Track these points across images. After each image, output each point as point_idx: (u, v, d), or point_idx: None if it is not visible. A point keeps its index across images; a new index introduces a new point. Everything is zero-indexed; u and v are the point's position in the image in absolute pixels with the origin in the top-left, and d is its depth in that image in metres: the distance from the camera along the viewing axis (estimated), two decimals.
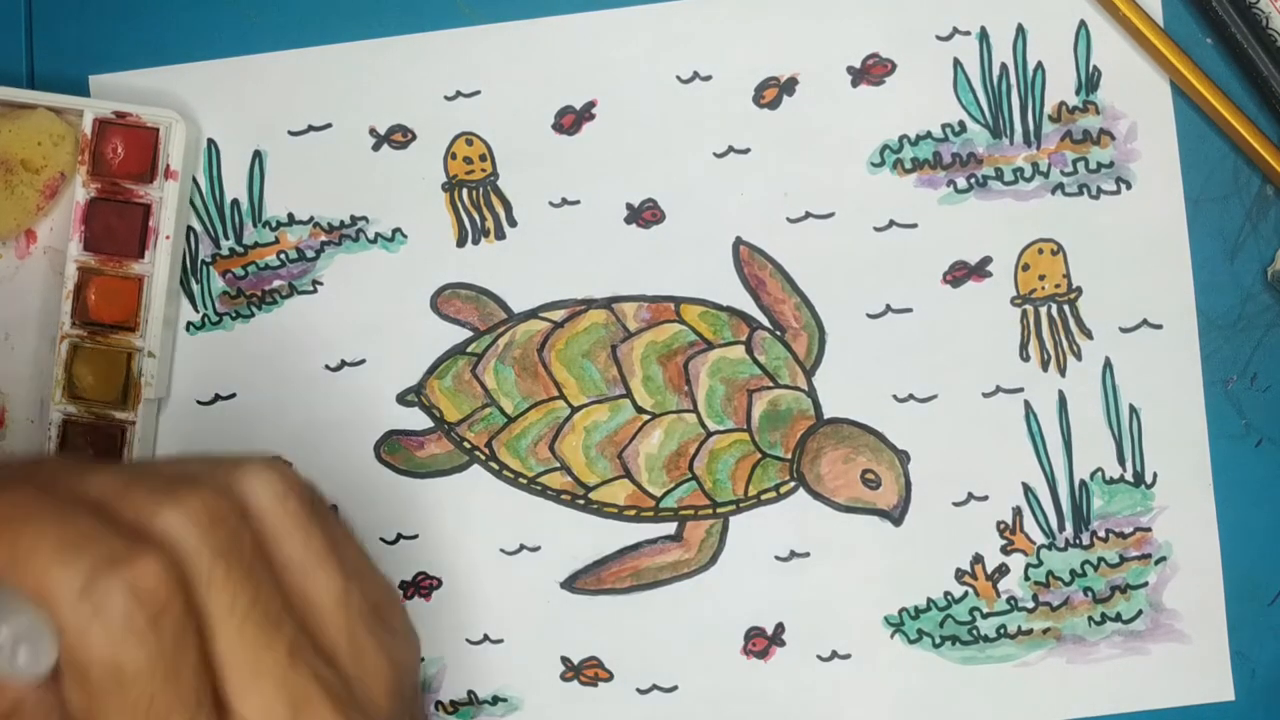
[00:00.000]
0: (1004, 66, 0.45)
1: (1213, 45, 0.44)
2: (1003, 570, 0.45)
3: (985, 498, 0.45)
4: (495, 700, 0.46)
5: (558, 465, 0.45)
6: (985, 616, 0.45)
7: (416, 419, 0.45)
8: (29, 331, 0.46)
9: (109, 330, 0.44)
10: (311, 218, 0.45)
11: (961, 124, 0.45)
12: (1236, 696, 0.45)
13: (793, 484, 0.45)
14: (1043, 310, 0.45)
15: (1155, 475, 0.44)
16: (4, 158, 0.43)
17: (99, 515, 0.30)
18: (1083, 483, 0.45)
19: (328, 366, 0.45)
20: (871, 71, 0.45)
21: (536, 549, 0.45)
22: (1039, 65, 0.45)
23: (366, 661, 0.33)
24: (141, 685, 0.29)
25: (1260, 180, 0.44)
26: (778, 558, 0.45)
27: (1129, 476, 0.45)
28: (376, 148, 0.45)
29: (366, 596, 0.34)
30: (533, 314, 0.45)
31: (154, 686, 0.30)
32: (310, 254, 0.45)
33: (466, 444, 0.45)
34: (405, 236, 0.45)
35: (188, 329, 0.46)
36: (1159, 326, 0.44)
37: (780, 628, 0.45)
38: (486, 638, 0.45)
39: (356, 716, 0.32)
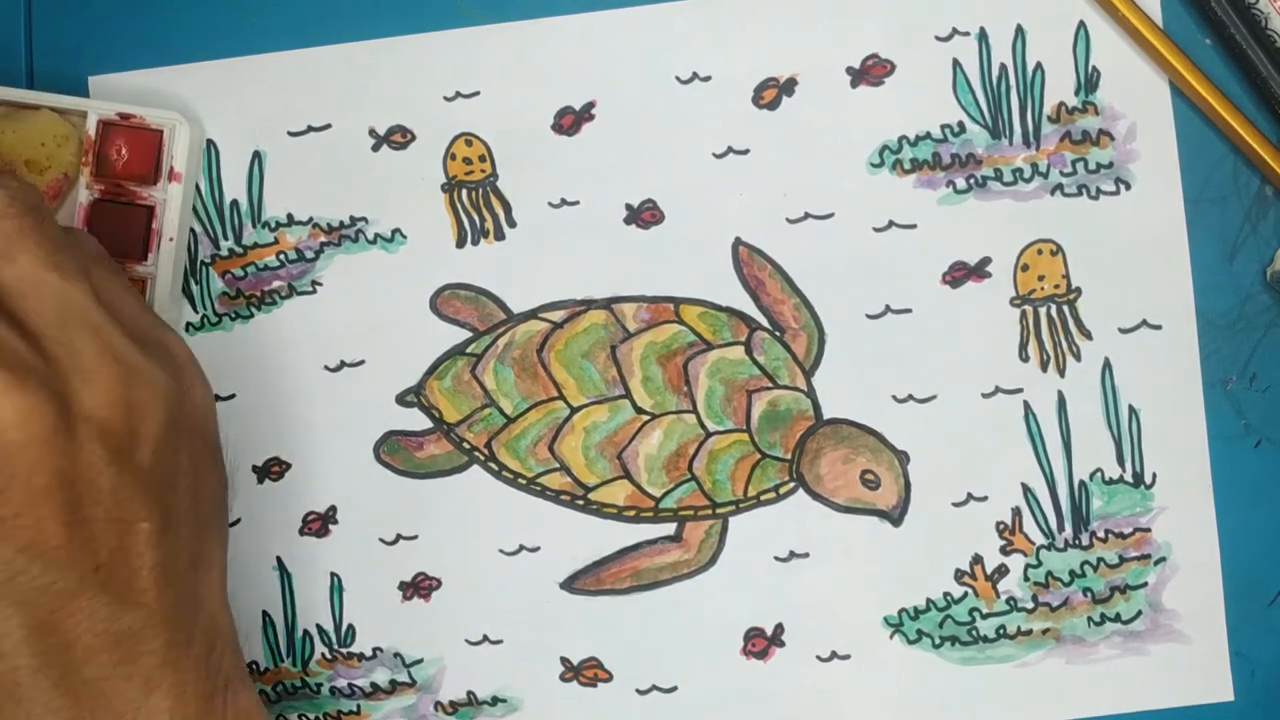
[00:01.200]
0: (1003, 67, 0.45)
1: (1212, 46, 0.44)
2: (1002, 571, 0.45)
3: (985, 498, 0.45)
4: (495, 701, 0.46)
5: (557, 466, 0.45)
6: (985, 617, 0.45)
7: (416, 419, 0.45)
8: None
9: None
10: (311, 218, 0.45)
11: (961, 124, 0.45)
12: (1236, 697, 0.45)
13: (792, 484, 0.45)
14: (1042, 311, 0.45)
15: (1154, 476, 0.44)
16: (7, 159, 0.43)
17: None
18: (1082, 483, 0.45)
19: (327, 367, 0.45)
20: (871, 72, 0.45)
21: (536, 549, 0.45)
22: (1038, 66, 0.45)
23: (82, 359, 0.34)
24: None
25: (1259, 181, 0.44)
26: (777, 558, 0.45)
27: (1128, 477, 0.45)
28: (376, 148, 0.45)
29: (117, 317, 0.36)
30: (532, 314, 0.45)
31: None
32: (309, 254, 0.45)
33: (466, 444, 0.45)
34: (405, 237, 0.45)
35: (187, 329, 0.46)
36: (1158, 327, 0.44)
37: (780, 628, 0.45)
38: (486, 638, 0.45)
39: (38, 389, 0.33)
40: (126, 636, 0.34)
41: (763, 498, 0.45)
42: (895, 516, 0.45)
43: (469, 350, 0.45)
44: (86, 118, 0.44)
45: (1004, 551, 0.45)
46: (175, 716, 0.34)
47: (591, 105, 0.45)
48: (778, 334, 0.45)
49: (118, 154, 0.44)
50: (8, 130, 0.43)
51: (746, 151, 0.45)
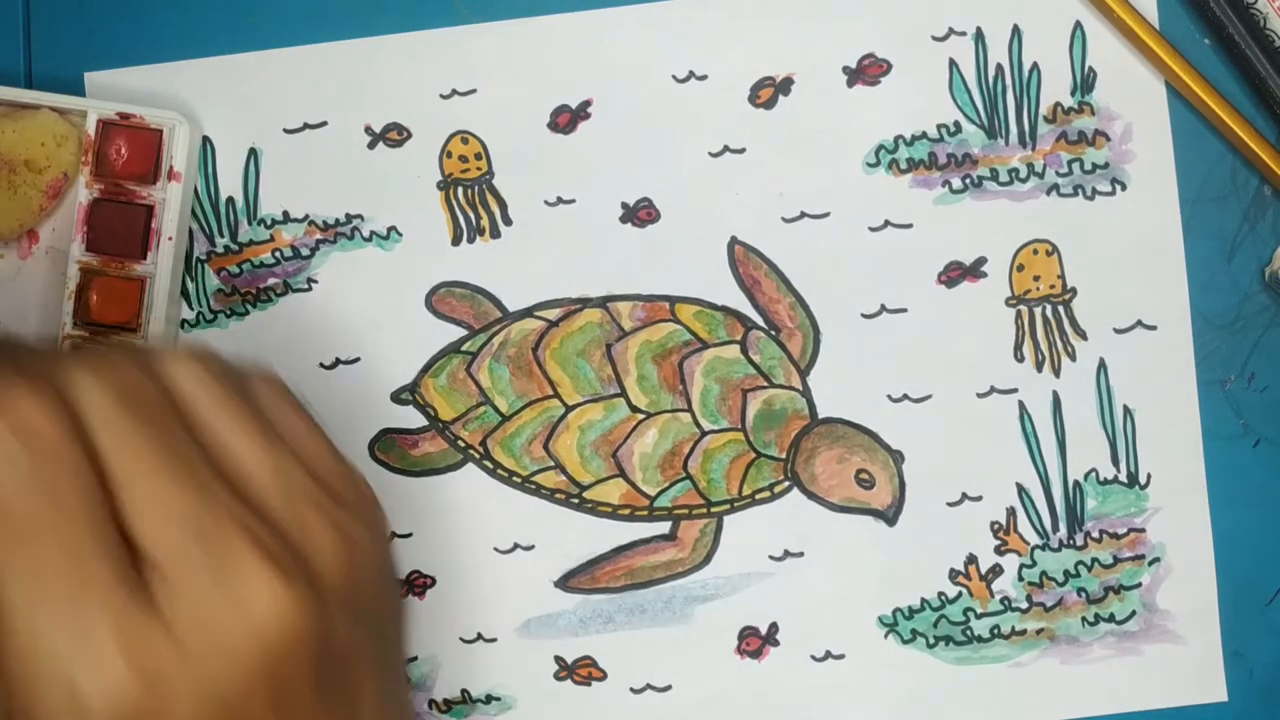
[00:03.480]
0: (999, 67, 0.45)
1: (1210, 46, 0.44)
2: (996, 571, 0.45)
3: (979, 498, 0.45)
4: (489, 699, 0.46)
5: (552, 464, 0.45)
6: (979, 617, 0.45)
7: (411, 417, 0.45)
8: (30, 332, 0.45)
9: (110, 332, 0.44)
10: (307, 215, 0.45)
11: (957, 124, 0.45)
12: (1230, 697, 0.45)
13: (787, 484, 0.45)
14: (1037, 311, 0.45)
15: (1149, 476, 0.44)
16: (7, 158, 0.43)
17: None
18: (1076, 483, 0.45)
19: (322, 365, 0.45)
20: (867, 71, 0.45)
21: (531, 548, 0.45)
22: (1034, 66, 0.45)
23: (313, 535, 0.33)
24: (39, 530, 0.29)
25: (1258, 181, 0.44)
26: (772, 557, 0.45)
27: (1123, 477, 0.45)
28: (372, 146, 0.45)
29: (316, 474, 0.34)
30: (528, 313, 0.45)
31: (55, 533, 0.29)
32: (305, 252, 0.45)
33: (461, 442, 0.45)
34: (400, 235, 0.45)
35: (182, 326, 0.46)
36: (1153, 328, 0.44)
37: (774, 628, 0.45)
38: (480, 637, 0.45)
39: (297, 577, 0.31)
40: None
41: (757, 497, 0.45)
42: (890, 516, 0.45)
43: (464, 348, 0.45)
44: (86, 117, 0.44)
45: (998, 551, 0.45)
46: None
47: (588, 103, 0.45)
48: (773, 333, 0.45)
49: (117, 153, 0.44)
50: (8, 130, 0.43)
51: (743, 150, 0.45)
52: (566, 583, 0.45)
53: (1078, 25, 0.44)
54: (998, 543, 0.45)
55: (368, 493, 0.37)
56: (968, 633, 0.45)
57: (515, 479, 0.45)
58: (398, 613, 0.39)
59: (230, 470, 0.32)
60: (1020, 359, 0.45)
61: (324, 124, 0.45)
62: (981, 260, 0.45)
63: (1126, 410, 0.45)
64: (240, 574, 0.30)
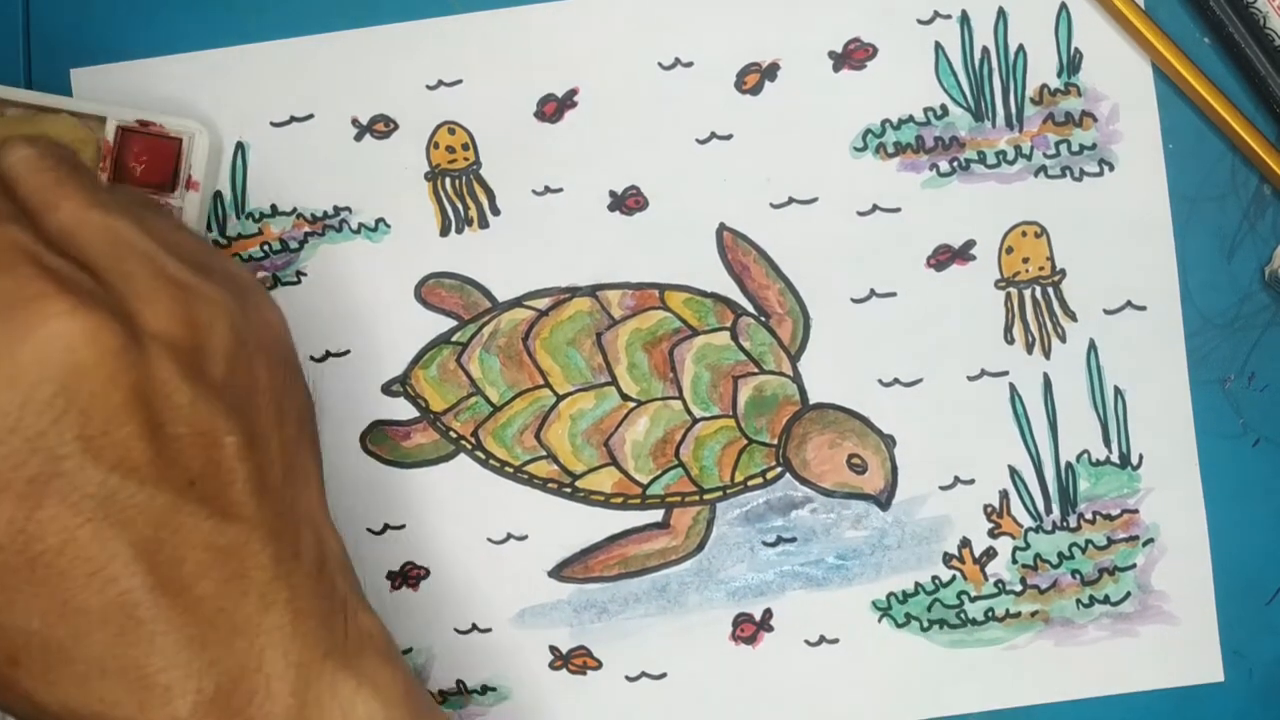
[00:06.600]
0: (985, 49, 0.45)
1: (1209, 44, 0.44)
2: (990, 554, 0.45)
3: (971, 481, 0.45)
4: (484, 690, 0.46)
5: (544, 454, 0.45)
6: (973, 600, 0.45)
7: (402, 409, 0.45)
8: None
9: None
10: (294, 209, 0.45)
11: (943, 107, 0.45)
12: (1226, 678, 0.45)
13: (779, 469, 0.45)
14: (1027, 293, 0.45)
15: (1141, 457, 0.44)
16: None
17: None
18: (1069, 465, 0.45)
19: (312, 357, 0.45)
20: (853, 56, 0.45)
21: (524, 538, 0.45)
22: (1020, 48, 0.44)
23: (137, 283, 0.34)
24: None
25: (1257, 180, 0.44)
26: (765, 543, 0.45)
27: (1115, 458, 0.44)
28: (359, 138, 0.45)
29: (165, 244, 0.35)
30: (517, 302, 0.45)
31: None
32: (294, 245, 0.45)
33: (452, 433, 0.45)
34: (388, 226, 0.45)
35: None
36: (1143, 308, 0.44)
37: (768, 613, 0.45)
38: (475, 627, 0.45)
39: (102, 310, 0.32)
40: (233, 551, 0.33)
41: (749, 483, 0.45)
42: (883, 501, 0.45)
43: (454, 339, 0.45)
44: (105, 123, 0.43)
45: (991, 534, 0.45)
46: (294, 634, 0.34)
47: (574, 92, 0.45)
48: (763, 319, 0.45)
49: (135, 161, 0.44)
50: (27, 133, 0.43)
51: (729, 137, 0.45)
52: (560, 572, 0.45)
53: (1063, 6, 0.44)
54: (991, 526, 0.45)
55: (244, 275, 0.39)
56: (962, 616, 0.45)
57: (507, 469, 0.45)
58: (296, 406, 0.37)
59: (52, 227, 0.34)
60: (1010, 341, 0.45)
61: (310, 116, 0.45)
62: (970, 243, 0.45)
63: (1117, 391, 0.44)
64: (24, 298, 0.32)
